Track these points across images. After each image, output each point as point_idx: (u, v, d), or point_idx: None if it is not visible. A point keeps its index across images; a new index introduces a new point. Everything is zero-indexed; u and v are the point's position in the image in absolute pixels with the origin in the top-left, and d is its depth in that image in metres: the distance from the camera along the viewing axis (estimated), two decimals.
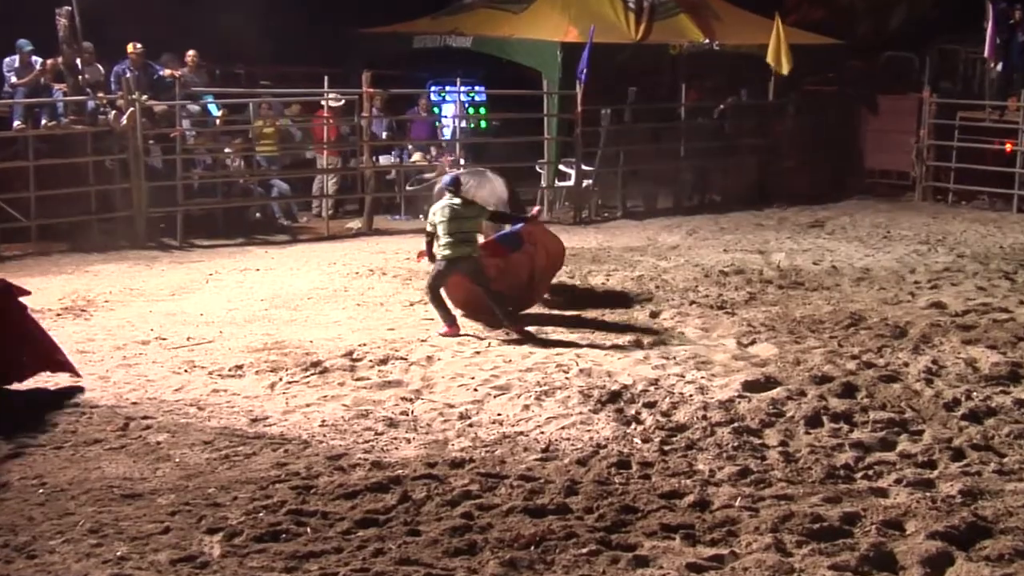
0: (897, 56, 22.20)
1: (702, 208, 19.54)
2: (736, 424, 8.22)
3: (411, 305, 12.03)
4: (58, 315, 11.24)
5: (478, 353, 10.13)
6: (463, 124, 18.88)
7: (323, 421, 8.34)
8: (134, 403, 8.69)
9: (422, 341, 10.50)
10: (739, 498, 6.92)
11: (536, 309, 11.72)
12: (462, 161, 18.03)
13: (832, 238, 16.68)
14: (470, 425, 8.30)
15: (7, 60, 15.47)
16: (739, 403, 8.67)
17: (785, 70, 19.27)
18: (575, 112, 18.13)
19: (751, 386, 9.05)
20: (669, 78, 20.29)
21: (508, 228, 11.33)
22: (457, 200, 10.78)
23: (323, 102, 17.95)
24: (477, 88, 20.28)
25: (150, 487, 7.03)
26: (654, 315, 11.65)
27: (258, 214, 17.28)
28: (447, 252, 10.72)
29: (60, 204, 15.11)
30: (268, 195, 17.44)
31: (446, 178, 11.40)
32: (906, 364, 9.79)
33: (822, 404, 8.63)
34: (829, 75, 21.97)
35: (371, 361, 9.78)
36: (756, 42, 19.78)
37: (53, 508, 6.71)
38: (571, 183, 18.65)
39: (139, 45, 15.94)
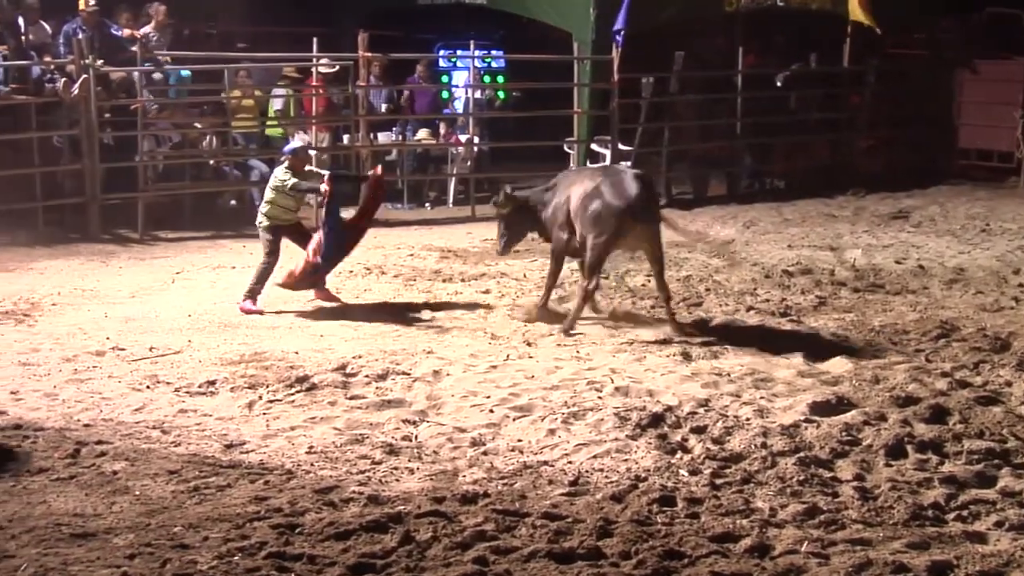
0: (1001, 13, 22.06)
1: (762, 195, 19.55)
2: (802, 454, 8.20)
3: (415, 310, 12.05)
4: None
5: (494, 367, 10.15)
6: (477, 95, 18.90)
7: (310, 447, 8.36)
8: (86, 425, 8.73)
9: (428, 353, 10.52)
10: (806, 542, 6.89)
11: (566, 314, 11.74)
12: (476, 139, 18.09)
13: (919, 232, 16.65)
14: (484, 453, 8.31)
15: None
16: (805, 429, 8.64)
17: (873, 25, 19.18)
18: (611, 81, 18.14)
19: (820, 408, 9.02)
20: (723, 40, 20.30)
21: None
22: (285, 172, 12.10)
23: (312, 69, 18.00)
24: (494, 53, 20.33)
25: (105, 525, 7.05)
26: (704, 323, 11.65)
27: (233, 201, 17.36)
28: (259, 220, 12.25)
29: None
30: (246, 179, 17.50)
31: (288, 147, 12.71)
32: (1008, 383, 9.76)
33: (906, 431, 8.59)
34: (917, 36, 21.93)
35: (367, 376, 9.80)
36: None
37: None
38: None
39: (92, 1, 15.99)
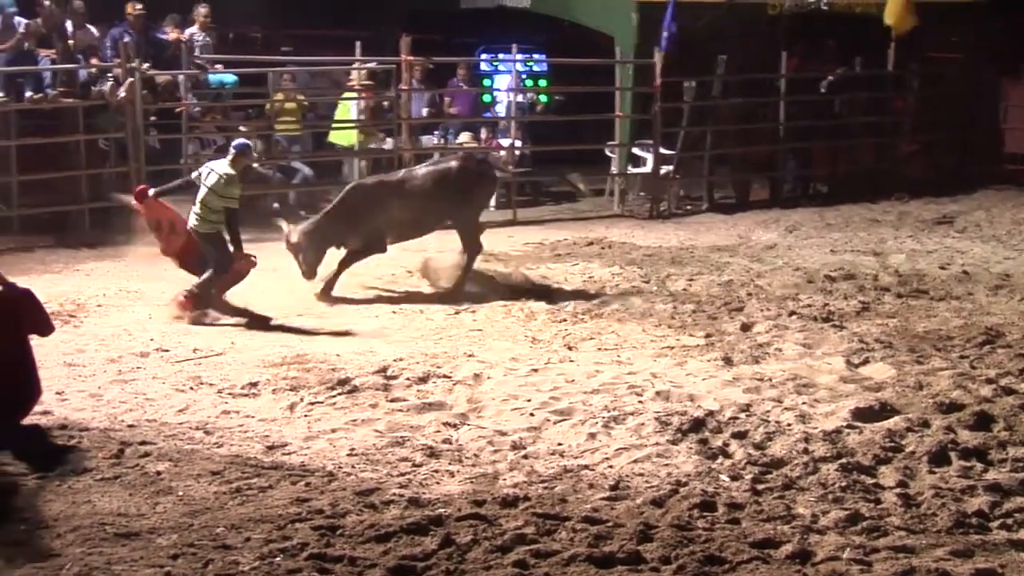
0: None
1: (805, 200, 19.45)
2: (844, 460, 8.15)
3: (456, 313, 12.08)
4: None
5: (535, 371, 10.15)
6: (519, 99, 18.91)
7: (352, 449, 8.39)
8: (131, 426, 8.79)
9: (469, 356, 10.54)
10: (847, 549, 6.86)
11: (606, 321, 11.74)
12: (518, 143, 18.11)
13: (963, 237, 16.54)
14: (525, 456, 8.31)
15: None
16: (848, 435, 8.60)
17: (908, 26, 19.06)
18: (653, 85, 18.10)
19: (863, 414, 8.97)
20: (767, 44, 20.22)
21: None
22: (225, 170, 11.64)
23: (354, 72, 18.04)
24: (536, 56, 20.32)
25: (148, 525, 7.10)
26: (746, 328, 11.62)
27: (276, 204, 17.42)
28: (191, 223, 11.78)
29: (46, 191, 15.35)
30: (288, 181, 17.57)
31: (239, 141, 12.26)
32: None
33: (950, 437, 8.53)
34: (961, 40, 21.74)
35: (408, 379, 9.83)
36: (875, 0, 19.64)
37: (36, 548, 6.79)
38: (647, 169, 18.65)
39: (139, 4, 16.12)
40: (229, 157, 11.81)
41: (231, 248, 11.79)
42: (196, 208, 11.68)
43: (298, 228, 12.93)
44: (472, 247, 13.13)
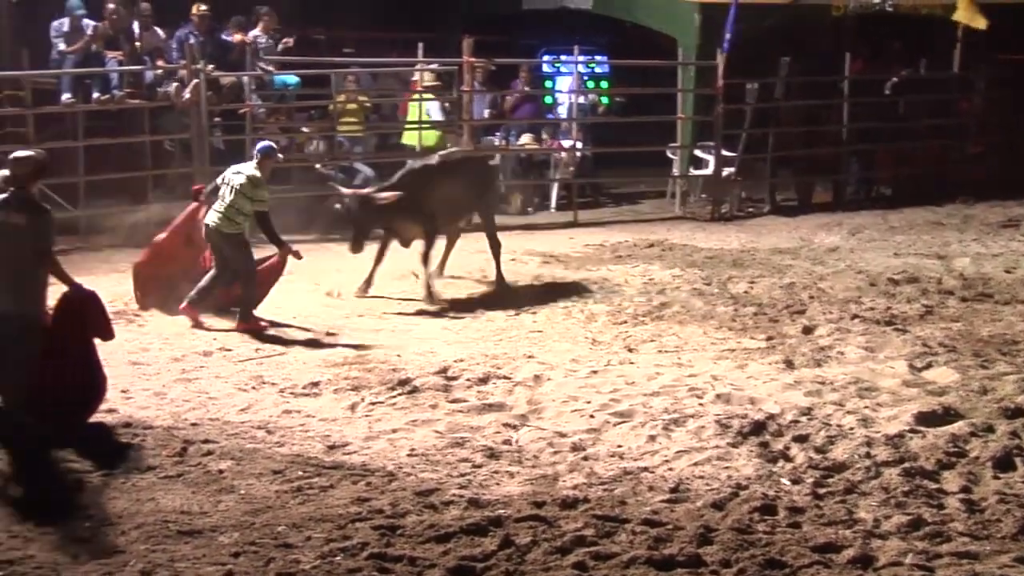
0: None
1: (868, 203, 19.32)
2: (907, 464, 8.10)
3: (516, 315, 12.09)
4: None
5: (595, 373, 10.14)
6: (581, 100, 18.90)
7: (412, 450, 8.42)
8: (194, 424, 8.87)
9: (529, 358, 10.54)
10: (910, 554, 6.82)
11: (666, 323, 11.72)
12: (579, 145, 18.11)
13: None
14: (584, 458, 8.31)
15: (55, 24, 15.85)
16: (911, 439, 8.55)
17: (981, 24, 18.85)
18: (715, 87, 18.04)
19: (926, 419, 8.92)
20: (831, 45, 20.09)
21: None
22: (251, 172, 11.49)
23: (416, 74, 18.10)
24: (598, 58, 20.31)
25: (211, 523, 7.17)
26: (808, 331, 11.55)
27: (339, 204, 17.48)
28: (209, 219, 11.53)
29: (113, 191, 15.51)
30: (351, 182, 17.64)
31: (262, 144, 12.06)
32: None
33: (1014, 443, 8.46)
34: None
35: (469, 380, 9.85)
36: (940, 1, 19.45)
37: (100, 545, 6.88)
38: (709, 171, 18.59)
39: (204, 6, 16.26)
40: (255, 160, 11.70)
41: (273, 245, 11.75)
42: (219, 208, 11.46)
43: (356, 195, 12.96)
44: (496, 236, 13.53)
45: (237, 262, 11.53)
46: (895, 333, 11.46)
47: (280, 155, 12.13)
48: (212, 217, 11.50)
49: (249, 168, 11.61)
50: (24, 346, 8.34)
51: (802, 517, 7.34)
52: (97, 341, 8.91)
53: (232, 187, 11.47)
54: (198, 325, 11.38)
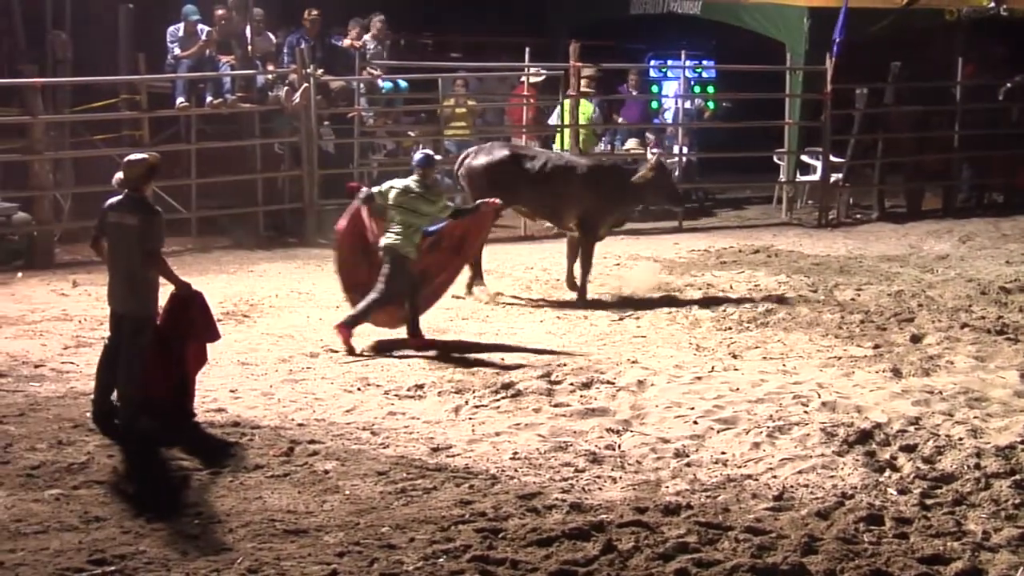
0: None
1: (980, 210, 19.01)
2: (1018, 476, 7.95)
3: (620, 320, 12.06)
4: (218, 320, 11.64)
5: (698, 379, 10.09)
6: (687, 105, 18.82)
7: (515, 453, 8.44)
8: (300, 425, 8.98)
9: (632, 363, 10.51)
10: (1021, 568, 6.70)
11: (771, 330, 11.63)
12: (686, 150, 18.03)
13: None
14: (688, 464, 8.27)
15: (171, 29, 16.17)
16: (1022, 451, 8.39)
17: None
18: (824, 92, 17.86)
19: None
20: (942, 50, 19.78)
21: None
22: (417, 186, 11.16)
23: (523, 78, 18.15)
24: (705, 63, 20.20)
25: (316, 522, 7.25)
26: (916, 339, 11.39)
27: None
28: (386, 240, 11.06)
29: (223, 193, 15.76)
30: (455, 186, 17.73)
31: (418, 155, 11.72)
32: None
33: None
34: None
35: (572, 384, 9.84)
36: None
37: (208, 542, 6.98)
38: (816, 177, 18.41)
39: (315, 11, 16.45)
40: (415, 175, 11.20)
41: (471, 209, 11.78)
42: (396, 229, 11.02)
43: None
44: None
45: (395, 282, 11.00)
46: (1006, 343, 11.27)
47: (433, 158, 11.71)
48: (391, 238, 11.03)
49: (414, 184, 11.16)
50: (137, 344, 8.54)
51: (909, 528, 7.24)
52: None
53: (400, 208, 11.08)
54: (351, 350, 10.84)
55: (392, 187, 11.25)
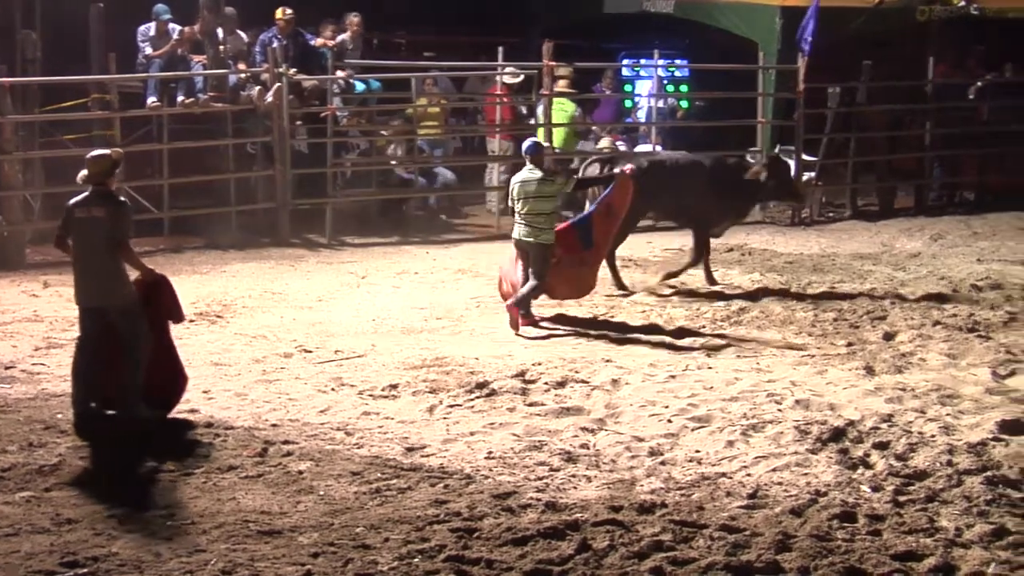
0: None
1: (951, 209, 19.08)
2: (990, 473, 7.99)
3: (595, 318, 12.06)
4: (191, 321, 11.63)
5: (673, 377, 10.11)
6: (660, 104, 18.84)
7: (489, 453, 8.44)
8: (274, 425, 8.96)
9: (607, 361, 10.52)
10: (993, 564, 6.74)
11: (745, 328, 11.66)
12: (658, 148, 18.04)
13: None
14: (662, 463, 8.28)
15: (142, 28, 16.08)
16: (994, 447, 8.44)
17: None
18: (796, 91, 17.91)
19: (1009, 427, 8.79)
20: (914, 50, 19.86)
21: (587, 211, 12.33)
22: (534, 173, 11.57)
23: (497, 78, 18.14)
24: (678, 62, 20.22)
25: (290, 523, 7.23)
26: (889, 337, 11.44)
27: (421, 212, 17.57)
28: (515, 233, 11.72)
29: (195, 194, 15.70)
30: (431, 186, 17.73)
31: (526, 144, 12.07)
32: None
33: None
34: None
35: (546, 383, 9.85)
36: None
37: (181, 543, 6.96)
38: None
39: (289, 10, 16.39)
40: (528, 164, 11.66)
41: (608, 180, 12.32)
42: (527, 221, 11.55)
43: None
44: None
45: (539, 268, 11.60)
46: (978, 340, 11.32)
47: (541, 145, 12.28)
48: (522, 231, 11.60)
49: (529, 173, 11.62)
50: (136, 332, 8.74)
51: (882, 525, 7.27)
52: (182, 340, 9.10)
53: (527, 199, 11.52)
54: (516, 326, 11.52)
55: (513, 187, 11.74)
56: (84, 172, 8.82)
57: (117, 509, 7.38)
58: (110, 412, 8.92)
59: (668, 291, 13.13)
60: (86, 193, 8.76)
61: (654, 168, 13.44)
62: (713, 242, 15.29)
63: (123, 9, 16.18)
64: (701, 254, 13.44)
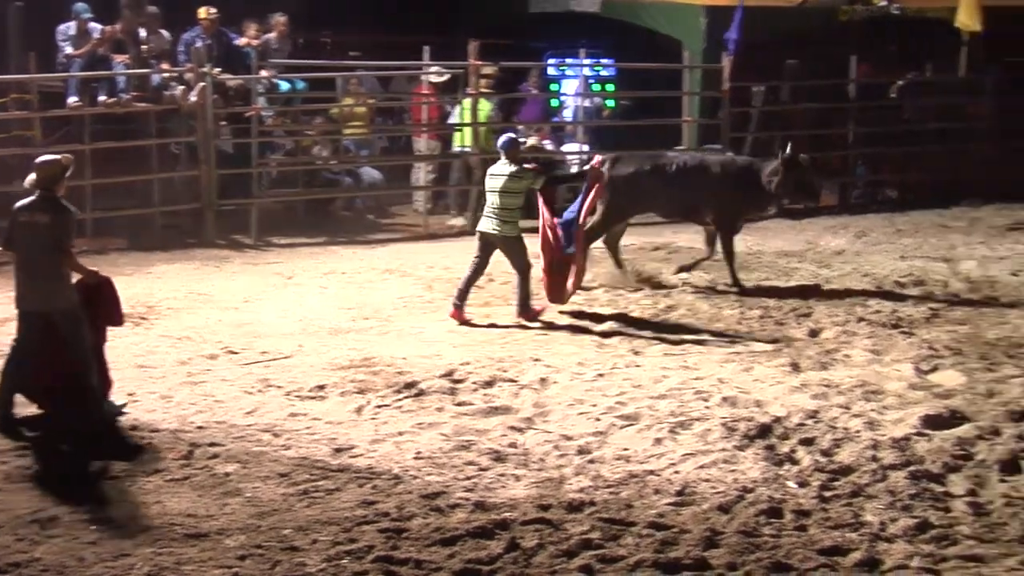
0: None
1: (874, 206, 19.28)
2: (913, 467, 8.09)
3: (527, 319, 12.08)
4: None
5: (601, 376, 10.14)
6: (586, 104, 18.90)
7: (418, 453, 8.42)
8: (200, 427, 8.88)
9: (535, 361, 10.53)
10: (916, 557, 6.82)
11: (674, 323, 11.72)
12: (586, 148, 18.10)
13: None
14: (591, 461, 8.31)
15: (61, 28, 15.89)
16: (917, 442, 8.53)
17: (976, 26, 18.83)
18: (721, 90, 18.03)
19: (932, 422, 8.89)
20: (837, 49, 20.06)
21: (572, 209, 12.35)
22: (505, 168, 11.79)
23: (423, 77, 18.11)
24: (604, 61, 20.28)
25: (217, 526, 7.18)
26: (814, 334, 11.54)
27: (346, 212, 17.51)
28: (480, 225, 11.97)
29: (119, 194, 15.52)
30: (357, 186, 17.67)
31: (502, 139, 12.23)
32: None
33: (1021, 446, 8.44)
34: None
35: (475, 383, 9.85)
36: (946, 4, 19.43)
37: (106, 548, 6.89)
38: None
39: (213, 9, 16.26)
40: (502, 158, 11.87)
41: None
42: (494, 214, 11.77)
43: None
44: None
45: (518, 261, 11.87)
46: (901, 336, 11.45)
47: (516, 140, 12.41)
48: (489, 224, 11.80)
49: (502, 167, 11.84)
50: (80, 335, 8.74)
51: (808, 520, 7.34)
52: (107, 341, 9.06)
53: (497, 191, 11.74)
54: (464, 323, 11.77)
55: (489, 174, 11.98)
56: (32, 177, 8.81)
57: (40, 514, 7.29)
58: (43, 414, 8.89)
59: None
60: (33, 198, 8.75)
61: (657, 167, 13.48)
62: (639, 241, 15.39)
63: (42, 8, 15.99)
64: (732, 254, 13.41)
